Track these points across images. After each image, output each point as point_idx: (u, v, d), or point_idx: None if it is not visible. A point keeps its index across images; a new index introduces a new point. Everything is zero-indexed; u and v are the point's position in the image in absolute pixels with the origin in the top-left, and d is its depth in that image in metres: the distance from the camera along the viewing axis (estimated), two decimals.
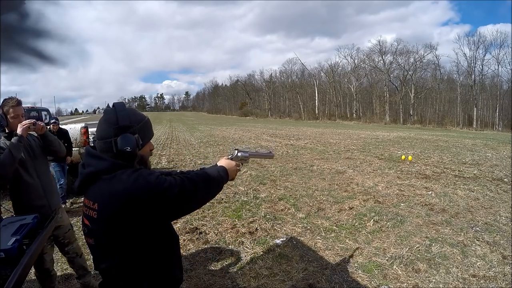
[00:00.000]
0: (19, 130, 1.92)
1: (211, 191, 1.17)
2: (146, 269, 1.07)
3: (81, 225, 1.15)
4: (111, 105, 1.12)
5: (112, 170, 1.02)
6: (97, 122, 1.14)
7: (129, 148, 1.03)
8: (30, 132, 2.05)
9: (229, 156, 1.41)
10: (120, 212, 0.97)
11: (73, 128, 5.54)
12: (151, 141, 1.18)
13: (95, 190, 1.03)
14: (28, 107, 8.93)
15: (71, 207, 4.80)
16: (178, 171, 1.38)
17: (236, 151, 1.42)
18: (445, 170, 6.94)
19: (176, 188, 1.02)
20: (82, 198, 1.10)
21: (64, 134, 4.78)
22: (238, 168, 1.34)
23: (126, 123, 1.05)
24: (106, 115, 1.09)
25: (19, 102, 2.02)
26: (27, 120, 1.99)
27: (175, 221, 3.97)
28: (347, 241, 3.37)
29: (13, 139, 1.89)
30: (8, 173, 1.83)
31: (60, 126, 4.95)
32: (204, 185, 1.12)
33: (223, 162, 1.30)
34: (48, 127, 4.57)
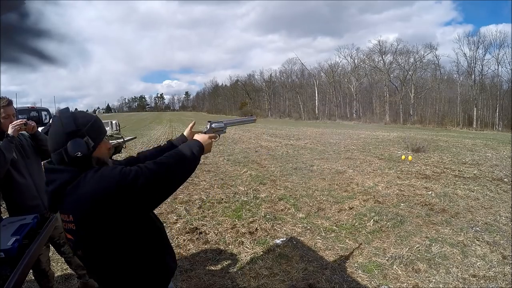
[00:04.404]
0: (10, 131, 1.90)
1: (185, 171, 1.13)
2: (138, 264, 1.07)
3: None
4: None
5: (74, 178, 1.00)
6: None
7: (79, 153, 0.99)
8: (22, 132, 2.03)
9: (204, 131, 1.39)
10: (93, 213, 0.96)
11: None
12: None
13: (65, 203, 1.00)
14: (28, 107, 8.96)
15: None
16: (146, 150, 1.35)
17: (209, 123, 1.41)
18: (445, 170, 6.94)
19: (143, 177, 0.99)
20: None
21: None
22: (213, 139, 1.33)
23: (72, 128, 1.01)
24: (53, 126, 1.05)
25: (10, 102, 1.99)
26: (18, 120, 1.97)
27: (174, 221, 3.98)
28: (347, 241, 3.37)
29: (4, 140, 1.87)
30: (0, 174, 1.82)
31: None
32: (176, 166, 1.08)
33: (196, 136, 1.29)
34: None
